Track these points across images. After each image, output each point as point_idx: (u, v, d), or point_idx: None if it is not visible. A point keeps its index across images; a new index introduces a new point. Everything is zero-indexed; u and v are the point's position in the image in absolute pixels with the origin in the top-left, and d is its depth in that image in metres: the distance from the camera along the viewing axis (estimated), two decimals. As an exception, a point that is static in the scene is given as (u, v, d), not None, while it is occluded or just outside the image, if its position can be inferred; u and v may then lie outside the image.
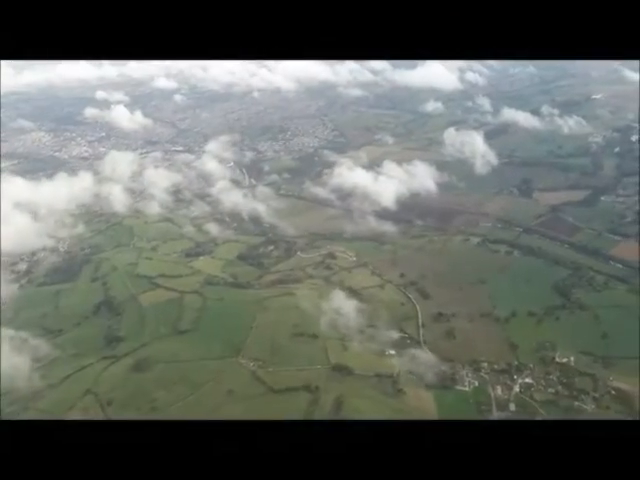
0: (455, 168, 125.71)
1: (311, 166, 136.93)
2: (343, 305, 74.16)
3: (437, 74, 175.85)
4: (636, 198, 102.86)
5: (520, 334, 69.47)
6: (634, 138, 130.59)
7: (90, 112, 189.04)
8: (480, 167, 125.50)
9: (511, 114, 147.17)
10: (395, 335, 70.30)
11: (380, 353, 66.77)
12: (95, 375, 62.96)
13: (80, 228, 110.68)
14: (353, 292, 78.31)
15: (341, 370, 62.72)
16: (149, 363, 63.15)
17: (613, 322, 70.25)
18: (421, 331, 70.97)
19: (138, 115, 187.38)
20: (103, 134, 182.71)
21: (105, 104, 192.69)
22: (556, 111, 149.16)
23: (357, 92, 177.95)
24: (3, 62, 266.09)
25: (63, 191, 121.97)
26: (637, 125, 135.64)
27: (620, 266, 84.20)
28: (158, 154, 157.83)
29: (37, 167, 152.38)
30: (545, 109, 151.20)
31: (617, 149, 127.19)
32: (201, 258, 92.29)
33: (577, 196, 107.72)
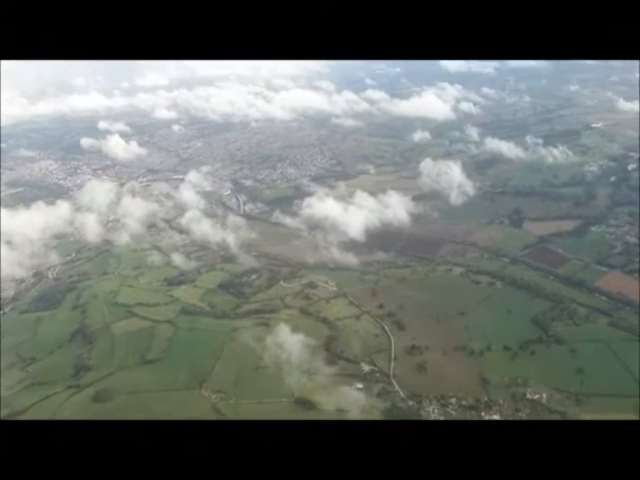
0: (447, 198, 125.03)
1: (304, 195, 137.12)
2: (315, 337, 73.32)
3: (432, 104, 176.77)
4: (626, 228, 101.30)
5: (493, 369, 67.79)
6: (630, 167, 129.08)
7: (95, 142, 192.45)
8: (473, 197, 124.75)
9: (508, 143, 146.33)
10: (365, 368, 69.13)
11: (347, 387, 65.55)
12: (57, 405, 62.82)
13: (72, 255, 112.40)
14: (327, 323, 77.51)
15: (304, 404, 61.66)
16: (110, 394, 62.81)
17: (590, 357, 68.33)
18: (392, 364, 69.63)
19: (142, 144, 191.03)
20: (108, 162, 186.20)
21: (110, 134, 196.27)
22: (553, 140, 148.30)
23: (354, 122, 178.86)
24: (18, 93, 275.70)
25: (57, 218, 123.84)
26: (634, 154, 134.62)
27: (604, 298, 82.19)
28: (159, 182, 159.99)
29: (40, 195, 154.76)
30: (543, 138, 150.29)
31: (613, 178, 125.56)
32: (182, 287, 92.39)
33: (568, 226, 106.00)
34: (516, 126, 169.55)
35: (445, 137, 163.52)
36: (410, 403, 62.61)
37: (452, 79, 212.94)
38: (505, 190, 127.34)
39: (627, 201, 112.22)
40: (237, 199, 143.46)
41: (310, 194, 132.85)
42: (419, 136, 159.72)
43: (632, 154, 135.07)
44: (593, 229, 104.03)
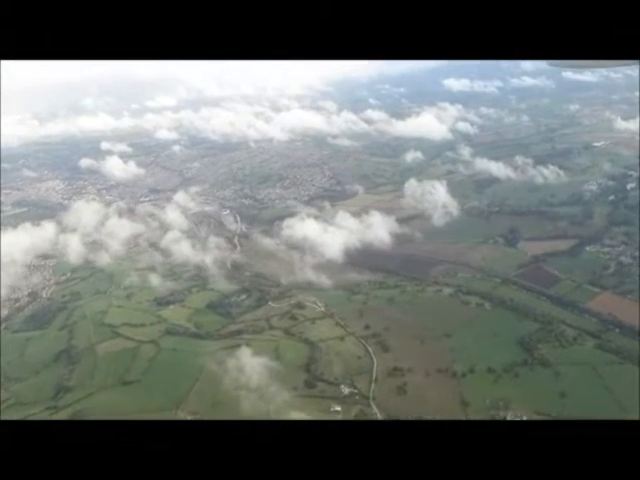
0: (442, 218, 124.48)
1: (301, 214, 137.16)
2: (296, 358, 72.86)
3: (429, 124, 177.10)
4: (621, 248, 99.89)
5: (475, 391, 66.65)
6: (629, 186, 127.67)
7: (101, 162, 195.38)
8: (469, 216, 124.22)
9: (504, 163, 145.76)
10: (345, 390, 68.34)
11: (325, 409, 64.79)
12: (33, 426, 62.66)
13: (67, 275, 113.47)
14: (310, 344, 77.00)
15: (279, 426, 60.94)
16: (85, 415, 62.64)
17: (574, 380, 66.96)
18: (372, 386, 68.77)
19: (146, 164, 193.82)
20: (113, 183, 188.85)
21: (114, 154, 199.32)
22: (553, 159, 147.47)
23: (350, 142, 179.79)
24: (30, 115, 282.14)
25: (56, 238, 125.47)
26: (634, 173, 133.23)
27: (594, 320, 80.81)
28: (161, 201, 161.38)
29: (43, 214, 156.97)
30: (543, 158, 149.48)
31: (611, 197, 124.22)
32: (171, 307, 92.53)
33: (562, 246, 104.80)
34: (517, 145, 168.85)
35: (439, 157, 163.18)
36: (387, 427, 61.54)
37: (455, 99, 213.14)
38: (502, 209, 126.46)
39: (624, 221, 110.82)
40: (235, 219, 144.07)
41: (307, 214, 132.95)
42: (412, 156, 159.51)
43: (631, 173, 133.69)
44: (588, 249, 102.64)
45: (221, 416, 62.33)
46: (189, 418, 62.08)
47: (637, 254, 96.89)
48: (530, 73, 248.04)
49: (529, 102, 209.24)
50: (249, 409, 63.63)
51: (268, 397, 66.03)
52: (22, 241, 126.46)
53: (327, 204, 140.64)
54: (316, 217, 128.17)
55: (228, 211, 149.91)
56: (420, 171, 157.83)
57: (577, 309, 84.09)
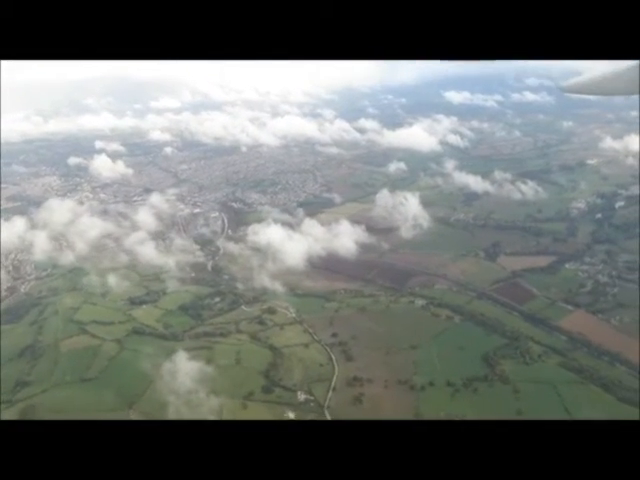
0: (427, 229, 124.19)
1: (289, 220, 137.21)
2: (257, 363, 72.65)
3: (419, 135, 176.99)
4: (600, 267, 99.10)
5: (430, 405, 66.06)
6: (618, 205, 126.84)
7: (97, 160, 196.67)
8: (453, 229, 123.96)
9: (498, 176, 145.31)
10: (301, 397, 67.97)
11: (278, 415, 64.44)
12: (-15, 419, 62.77)
13: (48, 271, 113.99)
14: (273, 350, 76.75)
15: (229, 431, 60.65)
16: (37, 411, 62.68)
17: (532, 398, 66.23)
18: (329, 395, 68.35)
19: (143, 164, 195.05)
20: (108, 181, 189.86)
21: (112, 154, 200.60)
22: (544, 175, 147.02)
23: (338, 150, 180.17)
24: (34, 112, 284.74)
25: (41, 233, 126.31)
26: (624, 192, 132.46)
27: (564, 338, 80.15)
28: (151, 200, 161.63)
29: (35, 210, 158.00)
30: (534, 173, 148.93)
31: (598, 215, 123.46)
32: (143, 306, 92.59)
33: (542, 262, 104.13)
34: (507, 160, 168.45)
35: (424, 169, 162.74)
36: (338, 436, 61.02)
37: (451, 111, 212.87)
38: (487, 223, 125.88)
39: (607, 239, 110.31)
40: (223, 222, 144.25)
41: (293, 220, 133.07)
42: (395, 167, 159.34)
43: (621, 192, 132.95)
44: (567, 266, 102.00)
45: (172, 417, 62.25)
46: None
47: (615, 273, 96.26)
48: (532, 88, 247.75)
49: (525, 117, 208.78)
50: (201, 411, 63.41)
51: (223, 400, 65.74)
52: (8, 236, 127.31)
53: (314, 211, 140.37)
54: (300, 223, 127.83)
55: (217, 214, 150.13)
56: (412, 181, 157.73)
57: (547, 326, 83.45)
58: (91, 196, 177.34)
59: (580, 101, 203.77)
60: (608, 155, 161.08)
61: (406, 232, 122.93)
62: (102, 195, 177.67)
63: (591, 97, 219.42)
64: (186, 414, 62.98)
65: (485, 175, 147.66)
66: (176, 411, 63.44)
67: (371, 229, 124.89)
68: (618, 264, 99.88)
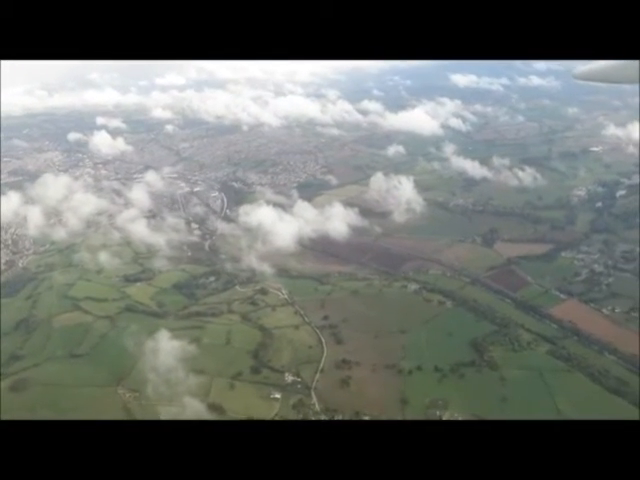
0: (425, 213, 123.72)
1: (288, 201, 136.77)
2: (246, 343, 73.22)
3: (421, 118, 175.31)
4: (596, 256, 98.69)
5: (417, 389, 66.64)
6: (619, 194, 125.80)
7: (100, 136, 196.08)
8: (451, 214, 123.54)
9: (499, 162, 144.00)
10: (288, 379, 68.60)
11: (265, 396, 65.21)
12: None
13: (46, 246, 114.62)
14: (263, 331, 77.28)
15: (215, 409, 61.51)
16: (28, 384, 63.68)
17: (518, 385, 66.66)
18: (317, 377, 68.97)
19: (145, 141, 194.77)
20: (110, 158, 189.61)
21: (112, 130, 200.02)
22: (546, 162, 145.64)
23: (338, 132, 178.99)
24: (38, 85, 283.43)
25: (40, 208, 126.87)
26: (626, 180, 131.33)
27: (554, 326, 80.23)
28: (151, 178, 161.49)
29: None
30: (536, 159, 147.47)
31: (599, 204, 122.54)
32: (138, 284, 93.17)
33: (539, 250, 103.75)
34: (510, 145, 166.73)
35: (423, 153, 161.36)
36: (322, 417, 61.78)
37: (456, 94, 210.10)
38: (485, 209, 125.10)
39: (605, 228, 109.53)
40: (222, 202, 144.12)
41: (292, 202, 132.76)
42: (394, 150, 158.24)
43: (624, 180, 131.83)
44: (563, 254, 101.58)
45: (159, 394, 63.10)
46: (127, 396, 62.87)
47: (610, 263, 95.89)
48: (540, 72, 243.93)
49: (530, 102, 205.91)
50: (188, 389, 64.19)
51: (210, 380, 66.46)
52: (8, 209, 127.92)
53: (313, 193, 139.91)
54: (297, 205, 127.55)
55: (217, 193, 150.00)
56: (411, 165, 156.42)
57: (539, 314, 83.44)
58: (92, 172, 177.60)
59: (587, 87, 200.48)
60: (612, 142, 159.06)
61: (401, 216, 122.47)
62: (103, 172, 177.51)
63: (599, 84, 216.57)
64: (172, 392, 63.80)
65: (486, 160, 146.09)
66: (162, 389, 64.13)
67: (368, 212, 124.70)
68: (615, 254, 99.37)
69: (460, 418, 61.16)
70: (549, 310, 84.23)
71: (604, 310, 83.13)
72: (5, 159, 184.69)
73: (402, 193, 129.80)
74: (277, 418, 60.75)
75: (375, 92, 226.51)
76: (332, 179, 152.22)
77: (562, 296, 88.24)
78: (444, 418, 61.32)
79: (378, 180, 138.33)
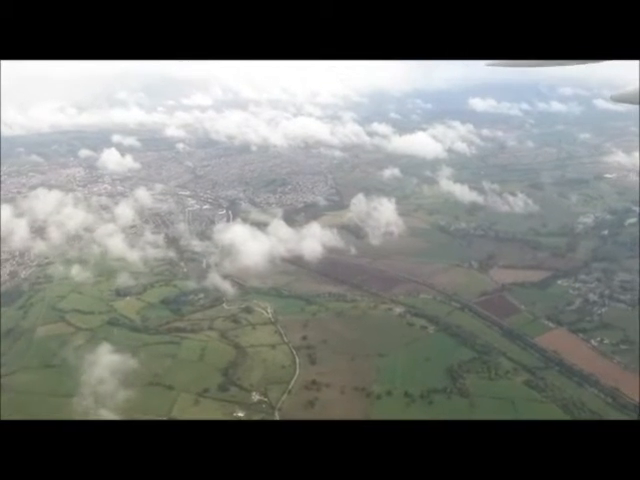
0: (428, 235, 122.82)
1: (292, 221, 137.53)
2: (218, 361, 73.44)
3: (424, 142, 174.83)
4: (593, 285, 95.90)
5: (383, 413, 65.13)
6: (628, 222, 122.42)
7: (122, 154, 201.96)
8: (452, 238, 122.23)
9: (506, 187, 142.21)
10: (255, 398, 68.31)
11: (227, 414, 64.85)
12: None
13: (49, 258, 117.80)
14: (238, 349, 77.38)
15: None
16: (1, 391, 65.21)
17: (487, 414, 64.57)
18: (284, 397, 68.48)
19: (164, 159, 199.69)
20: (129, 174, 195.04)
21: (130, 148, 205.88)
22: (556, 188, 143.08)
23: (342, 154, 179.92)
24: (69, 103, 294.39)
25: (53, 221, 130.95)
26: (637, 208, 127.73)
27: (537, 355, 77.93)
28: (166, 195, 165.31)
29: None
30: (545, 185, 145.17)
31: (605, 232, 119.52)
32: (127, 298, 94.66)
33: (534, 277, 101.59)
34: (517, 171, 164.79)
35: (424, 179, 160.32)
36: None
37: (470, 118, 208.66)
38: (487, 234, 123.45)
39: (607, 257, 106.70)
40: (228, 219, 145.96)
41: (293, 220, 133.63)
42: (389, 173, 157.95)
43: (635, 208, 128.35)
44: (559, 282, 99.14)
45: (126, 407, 63.68)
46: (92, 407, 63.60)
47: (607, 292, 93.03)
48: (562, 97, 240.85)
49: (546, 128, 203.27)
50: (152, 404, 64.67)
51: (177, 396, 66.77)
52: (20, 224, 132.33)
53: (316, 213, 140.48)
54: (299, 224, 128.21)
55: (224, 211, 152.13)
56: (413, 189, 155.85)
57: (523, 343, 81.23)
58: (109, 188, 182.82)
59: (609, 112, 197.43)
60: (629, 169, 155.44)
61: (402, 239, 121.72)
62: (120, 188, 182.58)
63: (622, 109, 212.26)
64: (138, 405, 64.33)
65: (493, 185, 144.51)
66: (129, 404, 64.70)
67: (365, 234, 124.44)
68: (613, 283, 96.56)
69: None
70: (534, 339, 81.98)
71: (592, 341, 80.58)
72: (30, 174, 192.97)
73: (401, 216, 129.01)
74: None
75: (392, 115, 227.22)
76: (337, 200, 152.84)
77: (550, 325, 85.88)
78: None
79: (360, 202, 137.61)
